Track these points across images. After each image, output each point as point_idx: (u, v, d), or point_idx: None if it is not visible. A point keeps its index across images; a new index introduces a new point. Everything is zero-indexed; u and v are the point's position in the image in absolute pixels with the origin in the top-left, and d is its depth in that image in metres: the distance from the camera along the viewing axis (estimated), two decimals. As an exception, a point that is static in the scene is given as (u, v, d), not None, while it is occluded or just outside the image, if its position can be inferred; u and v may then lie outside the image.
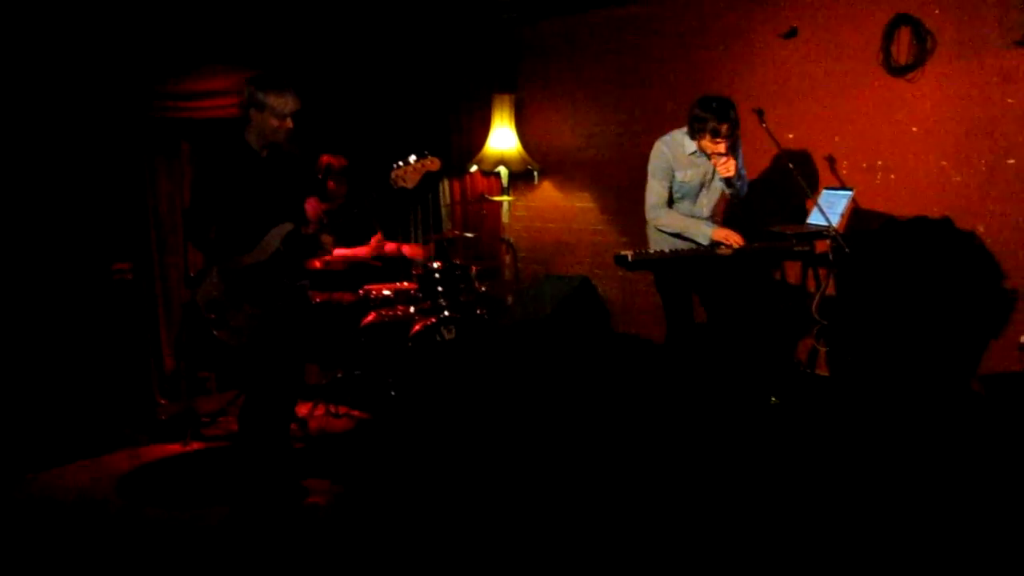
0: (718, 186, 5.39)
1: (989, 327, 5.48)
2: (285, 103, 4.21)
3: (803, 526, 4.14)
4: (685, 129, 5.27)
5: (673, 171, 5.32)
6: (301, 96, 4.35)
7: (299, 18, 6.84)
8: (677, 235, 5.35)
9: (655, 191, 5.36)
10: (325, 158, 6.37)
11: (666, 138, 5.36)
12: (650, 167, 5.37)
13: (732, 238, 5.17)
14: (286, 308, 4.36)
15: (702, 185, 5.37)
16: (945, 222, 5.57)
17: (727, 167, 5.16)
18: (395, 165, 4.29)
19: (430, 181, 7.70)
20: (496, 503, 4.66)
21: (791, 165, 5.14)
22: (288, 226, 4.29)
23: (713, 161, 5.21)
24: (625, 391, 5.97)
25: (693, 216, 5.38)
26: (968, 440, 4.96)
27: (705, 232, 5.25)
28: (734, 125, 5.07)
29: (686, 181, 5.33)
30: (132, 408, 6.26)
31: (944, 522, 4.09)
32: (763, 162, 6.15)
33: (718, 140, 5.07)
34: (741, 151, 5.40)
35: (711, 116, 5.03)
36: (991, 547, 3.86)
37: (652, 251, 5.29)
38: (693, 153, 5.26)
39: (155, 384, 6.56)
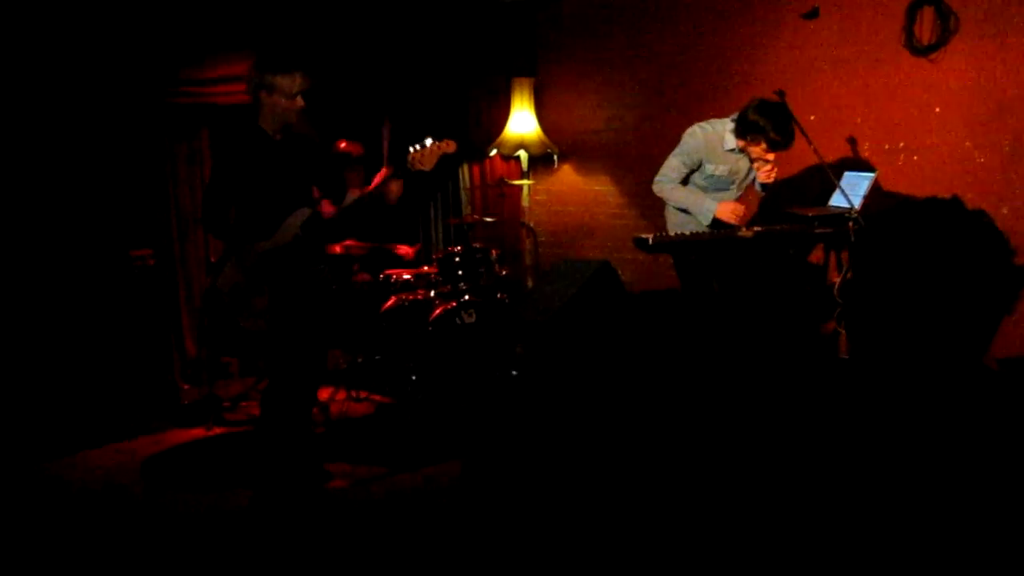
0: (747, 183, 5.34)
1: (1013, 308, 5.45)
2: (293, 82, 4.20)
3: (819, 508, 4.13)
4: (728, 121, 5.16)
5: (702, 161, 5.24)
6: (319, 82, 4.34)
7: (317, 2, 6.83)
8: (684, 210, 5.30)
9: (672, 167, 5.29)
10: (343, 144, 6.38)
11: (706, 126, 5.23)
12: (678, 147, 5.29)
13: (736, 214, 5.12)
14: (306, 293, 4.36)
15: (732, 183, 5.31)
16: (969, 203, 5.53)
17: (770, 175, 5.09)
18: (412, 148, 4.29)
19: (450, 165, 7.70)
20: (517, 487, 4.67)
21: (814, 147, 5.09)
22: (307, 211, 4.29)
23: (756, 166, 5.12)
24: (645, 374, 5.96)
25: None
26: (985, 420, 4.93)
27: (708, 209, 5.19)
28: (792, 137, 4.94)
29: (716, 175, 5.26)
30: (155, 393, 6.31)
31: (958, 507, 4.07)
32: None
33: (771, 152, 5.00)
34: None
35: (771, 127, 4.88)
36: (1004, 527, 3.85)
37: (672, 233, 5.25)
38: (732, 150, 5.18)
39: (177, 369, 6.60)
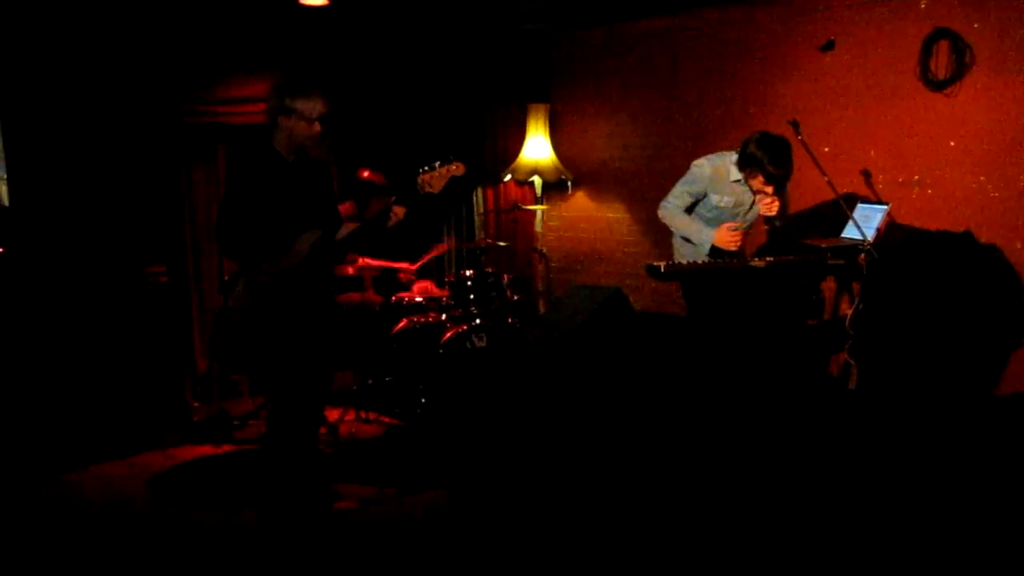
0: (753, 216, 5.35)
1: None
2: (313, 107, 4.22)
3: (829, 539, 4.11)
4: (733, 153, 5.16)
5: (707, 192, 5.25)
6: (335, 106, 4.36)
7: (334, 27, 6.89)
8: (719, 252, 5.29)
9: (676, 194, 5.31)
10: (365, 173, 6.40)
11: (713, 158, 5.24)
12: (685, 176, 5.29)
13: (733, 240, 5.12)
14: (315, 314, 4.37)
15: (737, 215, 5.31)
16: (982, 237, 5.53)
17: (771, 208, 5.09)
18: (421, 170, 4.31)
19: (463, 189, 7.73)
20: (525, 509, 4.66)
21: (827, 179, 5.09)
22: (317, 233, 4.30)
23: (758, 199, 5.13)
24: (654, 402, 5.95)
25: None
26: (995, 453, 4.90)
27: (707, 237, 5.18)
28: (789, 171, 4.95)
29: (721, 206, 5.25)
30: (165, 409, 6.33)
31: (962, 533, 4.06)
32: (798, 174, 6.10)
33: (769, 184, 5.02)
34: (787, 186, 5.29)
35: (768, 159, 4.87)
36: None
37: (685, 262, 5.25)
38: (737, 181, 5.17)
39: (188, 386, 6.62)
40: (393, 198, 4.34)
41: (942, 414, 5.42)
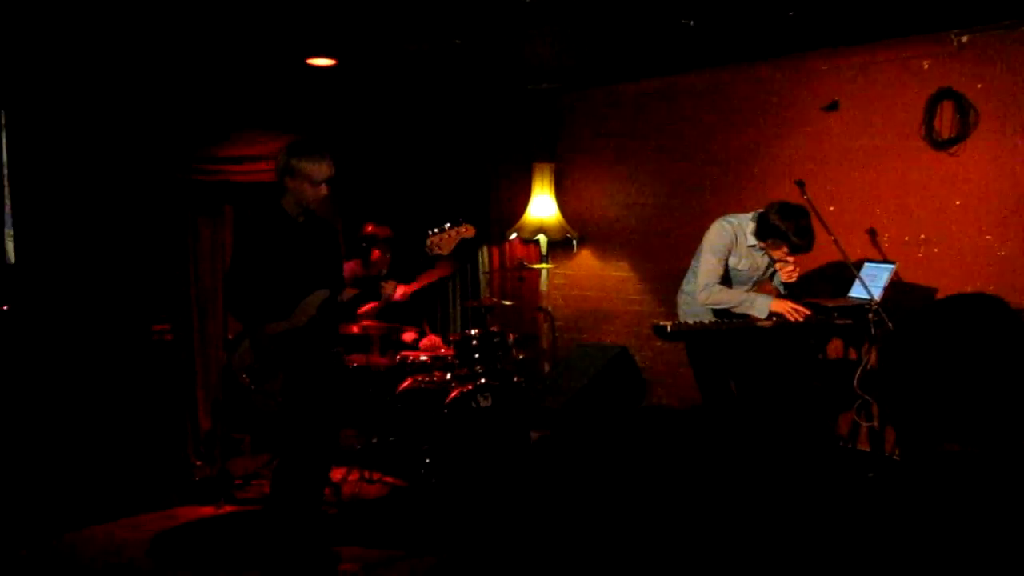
0: (764, 279, 5.34)
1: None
2: (320, 169, 4.23)
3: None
4: (748, 219, 5.16)
5: (729, 255, 5.26)
6: (342, 164, 4.38)
7: (342, 86, 6.94)
8: (723, 310, 5.23)
9: (712, 267, 5.18)
10: (370, 227, 6.42)
11: (732, 219, 5.21)
12: (709, 244, 5.22)
13: (797, 310, 5.06)
14: (321, 374, 4.35)
15: (751, 278, 5.30)
16: (990, 295, 5.51)
17: (793, 275, 5.10)
18: (430, 232, 4.32)
19: (469, 248, 7.72)
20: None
21: (834, 238, 5.08)
22: (324, 293, 4.30)
23: (779, 267, 5.14)
24: (662, 464, 5.91)
25: None
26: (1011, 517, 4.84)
27: (763, 305, 5.11)
28: (813, 240, 4.95)
29: (739, 269, 5.24)
30: (167, 469, 6.27)
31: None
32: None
33: (793, 254, 5.01)
34: None
35: (793, 231, 4.88)
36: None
37: (691, 321, 5.22)
38: (752, 246, 5.17)
39: (190, 445, 6.57)
40: (384, 271, 4.34)
41: (958, 478, 5.36)
